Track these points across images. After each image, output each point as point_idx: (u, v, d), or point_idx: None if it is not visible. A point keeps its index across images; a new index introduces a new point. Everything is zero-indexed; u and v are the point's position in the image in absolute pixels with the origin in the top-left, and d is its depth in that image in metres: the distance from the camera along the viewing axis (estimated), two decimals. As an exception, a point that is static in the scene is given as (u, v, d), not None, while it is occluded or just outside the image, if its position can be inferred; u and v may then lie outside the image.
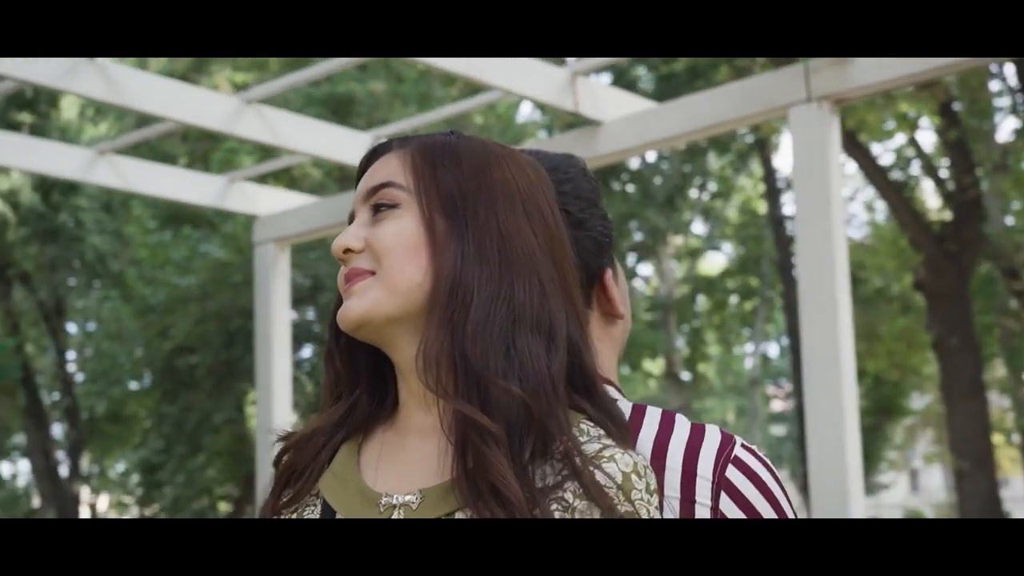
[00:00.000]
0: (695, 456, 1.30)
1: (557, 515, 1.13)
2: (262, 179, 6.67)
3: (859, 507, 3.63)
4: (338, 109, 15.38)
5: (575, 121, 6.82)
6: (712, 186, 21.51)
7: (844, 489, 3.59)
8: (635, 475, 1.15)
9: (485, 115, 17.41)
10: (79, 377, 19.57)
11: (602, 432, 1.19)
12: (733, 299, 22.37)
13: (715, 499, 1.28)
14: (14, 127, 15.80)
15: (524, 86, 4.26)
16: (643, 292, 22.79)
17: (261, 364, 5.18)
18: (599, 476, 1.13)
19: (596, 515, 1.12)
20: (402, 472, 1.21)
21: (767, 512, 1.29)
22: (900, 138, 13.72)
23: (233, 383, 13.90)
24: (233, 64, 15.72)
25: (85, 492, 22.08)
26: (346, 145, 4.80)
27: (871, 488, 28.63)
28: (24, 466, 24.24)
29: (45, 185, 15.57)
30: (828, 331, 3.70)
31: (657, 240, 20.74)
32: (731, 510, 1.28)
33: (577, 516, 1.13)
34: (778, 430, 29.92)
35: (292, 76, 4.56)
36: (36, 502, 21.45)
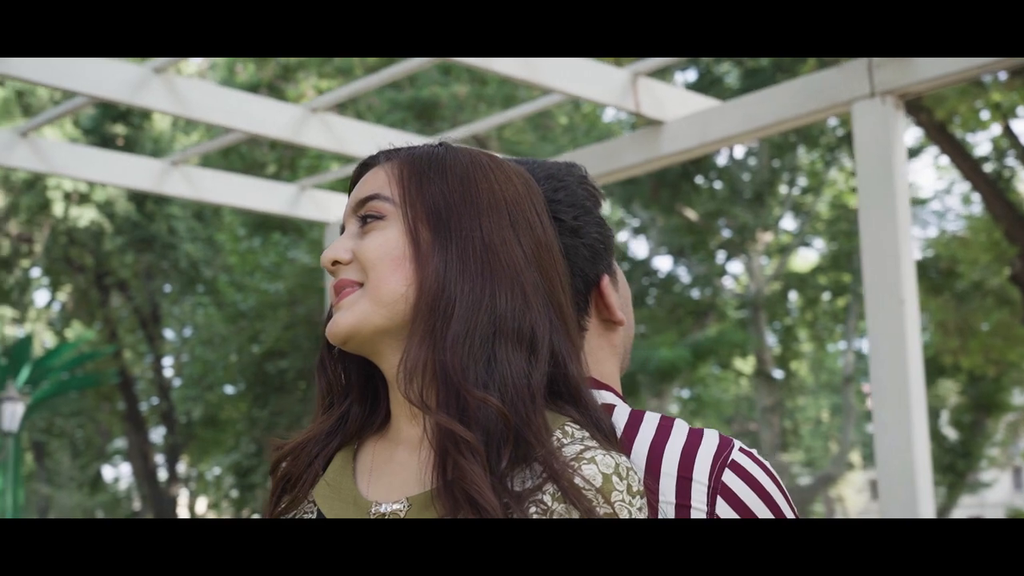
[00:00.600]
0: (691, 461, 1.29)
1: (535, 518, 1.13)
2: (335, 185, 6.74)
3: (928, 507, 3.56)
4: (422, 113, 15.52)
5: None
6: (802, 181, 21.22)
7: (913, 489, 3.53)
8: (616, 476, 1.14)
9: (571, 115, 17.42)
10: (176, 382, 19.99)
11: (587, 435, 1.19)
12: (825, 295, 22.04)
13: (711, 504, 1.27)
14: (110, 139, 16.22)
15: (584, 88, 4.25)
16: (732, 290, 22.57)
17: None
18: (578, 478, 1.13)
19: (576, 516, 1.12)
20: (392, 481, 1.23)
21: (763, 513, 1.28)
22: (995, 128, 13.39)
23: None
24: (318, 72, 15.91)
25: (184, 495, 22.55)
26: None
27: (972, 487, 28.00)
28: (125, 469, 24.86)
29: (139, 195, 15.94)
30: (895, 329, 3.63)
31: (745, 237, 20.51)
32: (728, 514, 1.27)
33: (555, 518, 1.13)
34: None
35: (355, 84, 4.61)
36: (136, 505, 21.97)
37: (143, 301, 18.09)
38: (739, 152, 19.25)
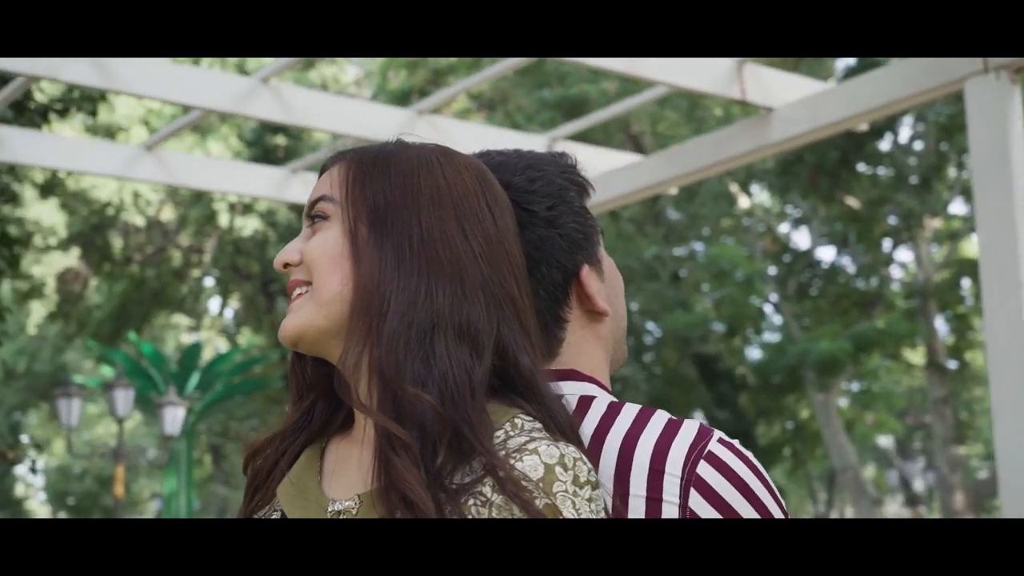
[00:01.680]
0: (664, 453, 1.25)
1: (474, 510, 1.11)
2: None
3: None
4: (571, 111, 15.53)
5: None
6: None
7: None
8: (560, 467, 1.12)
9: (726, 106, 17.14)
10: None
11: (538, 427, 1.17)
12: (1000, 282, 21.09)
13: (684, 496, 1.23)
14: (271, 150, 16.74)
15: (688, 78, 4.18)
16: (900, 279, 21.86)
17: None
18: (517, 471, 1.11)
19: (515, 509, 1.10)
20: (349, 478, 1.23)
21: (743, 508, 1.24)
22: None
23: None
24: (468, 74, 16.09)
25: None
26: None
27: None
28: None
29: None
30: (1011, 315, 3.45)
31: (912, 224, 19.84)
32: (702, 507, 1.23)
33: (495, 510, 1.11)
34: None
35: (458, 85, 4.64)
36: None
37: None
38: (904, 136, 18.63)
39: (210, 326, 22.57)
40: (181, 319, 23.05)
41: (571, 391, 1.36)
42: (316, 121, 4.35)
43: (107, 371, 15.89)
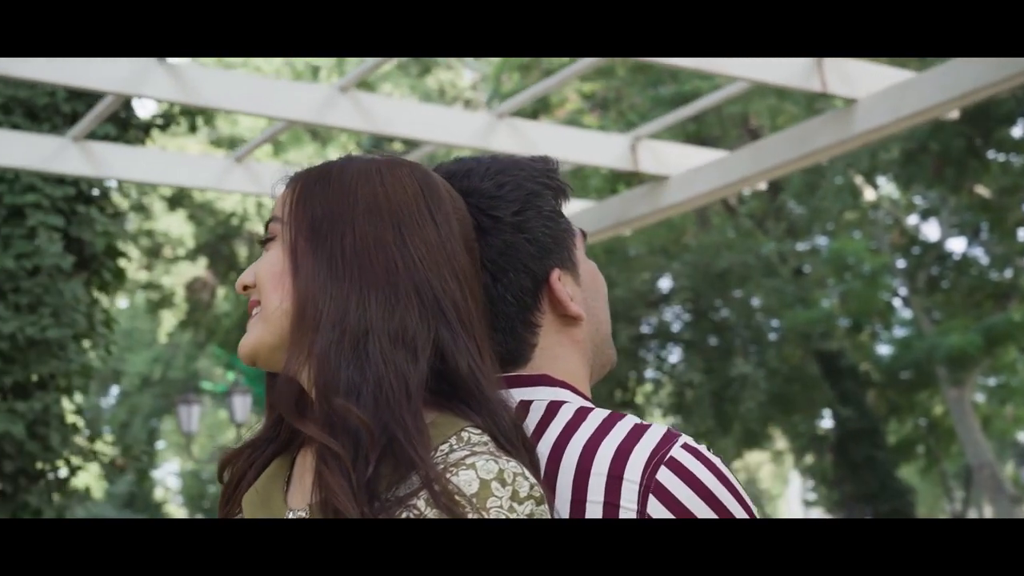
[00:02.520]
0: (624, 459, 1.24)
1: None
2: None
3: None
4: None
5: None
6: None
7: None
8: (497, 483, 1.11)
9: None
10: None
11: (485, 440, 1.17)
12: None
13: (642, 502, 1.21)
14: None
15: (768, 73, 4.11)
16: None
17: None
18: (452, 485, 1.10)
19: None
20: (306, 487, 1.25)
21: (703, 514, 1.21)
22: None
23: (597, 387, 14.18)
24: (580, 75, 16.04)
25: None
26: (607, 148, 4.81)
27: None
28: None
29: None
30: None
31: (1048, 212, 19.12)
32: (660, 513, 1.21)
33: None
34: None
35: (541, 84, 4.63)
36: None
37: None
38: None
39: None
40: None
41: (541, 396, 1.35)
42: (397, 128, 4.39)
43: (232, 377, 16.28)
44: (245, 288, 1.28)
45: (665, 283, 15.26)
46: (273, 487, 1.28)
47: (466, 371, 1.20)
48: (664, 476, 1.22)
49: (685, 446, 1.25)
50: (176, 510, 26.21)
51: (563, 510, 1.24)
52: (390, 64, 18.57)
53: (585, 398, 1.38)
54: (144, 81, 3.90)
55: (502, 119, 4.54)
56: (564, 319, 1.40)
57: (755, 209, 17.29)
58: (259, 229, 17.86)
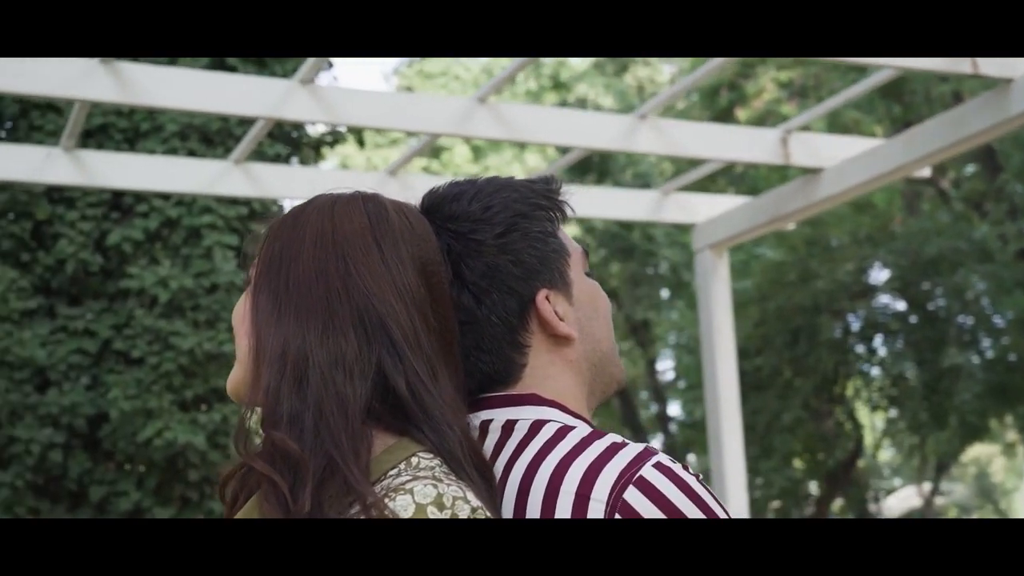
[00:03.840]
0: (593, 478, 1.22)
1: None
2: (702, 186, 6.70)
3: None
4: (887, 92, 14.82)
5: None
6: None
7: None
8: (433, 507, 1.12)
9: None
10: (681, 384, 20.45)
11: (436, 464, 1.18)
12: None
13: None
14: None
15: (919, 59, 3.94)
16: None
17: (708, 372, 5.20)
18: (388, 510, 1.11)
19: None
20: None
21: None
22: None
23: (802, 382, 13.86)
24: (777, 64, 15.70)
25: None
26: (757, 143, 4.71)
27: None
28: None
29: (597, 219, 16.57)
30: None
31: None
32: None
33: None
34: None
35: (678, 85, 4.55)
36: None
37: (632, 308, 18.71)
38: None
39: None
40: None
41: (527, 415, 1.35)
42: (538, 135, 4.41)
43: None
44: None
45: (876, 273, 14.77)
46: (255, 513, 1.31)
47: (405, 391, 1.22)
48: (631, 496, 1.20)
49: (657, 465, 1.23)
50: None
51: None
52: (585, 63, 18.63)
53: (579, 417, 1.37)
54: (287, 104, 4.04)
55: (645, 120, 4.50)
56: (555, 339, 1.40)
57: (971, 192, 16.51)
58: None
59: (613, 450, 1.25)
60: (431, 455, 1.19)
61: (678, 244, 17.33)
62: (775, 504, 15.51)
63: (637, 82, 20.45)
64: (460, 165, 18.49)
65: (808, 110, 4.76)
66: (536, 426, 1.33)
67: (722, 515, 1.23)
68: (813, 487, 16.30)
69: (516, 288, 1.38)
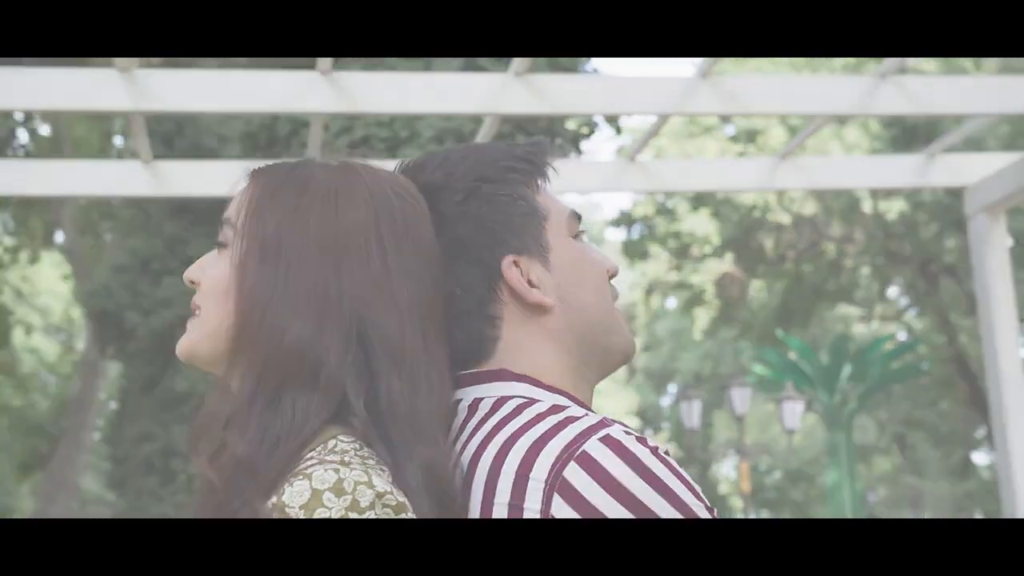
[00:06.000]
0: (534, 456, 1.13)
1: None
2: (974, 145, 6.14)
3: None
4: None
5: None
6: None
7: None
8: (331, 493, 1.05)
9: None
10: None
11: (353, 449, 1.12)
12: None
13: (546, 503, 1.10)
14: (908, 132, 16.21)
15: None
16: None
17: (988, 350, 4.76)
18: (286, 495, 1.07)
19: None
20: None
21: (611, 510, 1.08)
22: None
23: None
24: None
25: None
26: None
27: None
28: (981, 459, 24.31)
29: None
30: None
31: None
32: (564, 513, 1.09)
33: None
34: None
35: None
36: None
37: (967, 281, 17.62)
38: None
39: (881, 315, 22.17)
40: (850, 310, 22.90)
41: (493, 392, 1.26)
42: (761, 107, 4.20)
43: (759, 370, 16.24)
44: (192, 283, 1.28)
45: None
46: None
47: (384, 407, 1.16)
48: (571, 472, 1.10)
49: (605, 438, 1.11)
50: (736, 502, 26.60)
51: (475, 512, 1.15)
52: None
53: (558, 392, 1.26)
54: (503, 97, 4.05)
55: (885, 79, 4.17)
56: (531, 308, 1.28)
57: None
58: (782, 219, 17.72)
59: (562, 425, 1.14)
60: (351, 438, 1.13)
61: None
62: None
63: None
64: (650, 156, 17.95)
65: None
66: (499, 403, 1.23)
67: (680, 491, 1.10)
68: None
69: (481, 257, 1.28)
